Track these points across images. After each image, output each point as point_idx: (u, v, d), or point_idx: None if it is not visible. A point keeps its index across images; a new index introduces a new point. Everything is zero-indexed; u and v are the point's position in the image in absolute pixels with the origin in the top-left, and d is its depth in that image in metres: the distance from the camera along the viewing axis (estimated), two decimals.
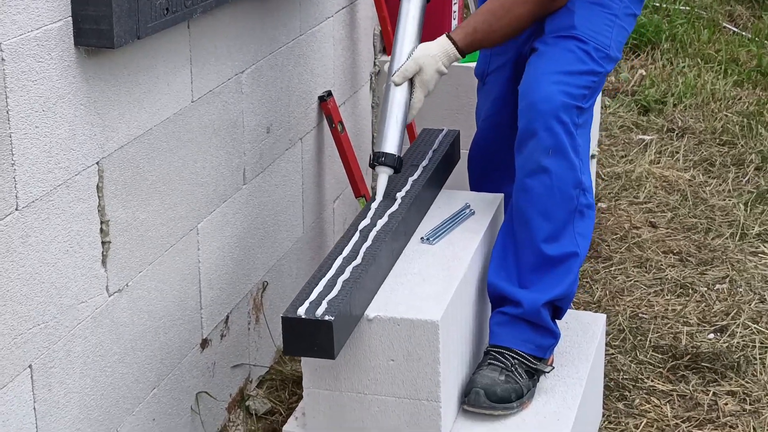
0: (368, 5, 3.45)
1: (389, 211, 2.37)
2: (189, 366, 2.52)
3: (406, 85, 2.49)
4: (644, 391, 2.85)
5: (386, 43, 3.48)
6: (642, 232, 3.69)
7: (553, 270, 2.40)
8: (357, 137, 3.43)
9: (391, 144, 2.44)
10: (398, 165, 2.44)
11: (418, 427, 2.16)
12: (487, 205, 2.58)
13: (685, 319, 3.17)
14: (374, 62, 3.61)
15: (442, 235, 2.43)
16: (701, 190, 4.02)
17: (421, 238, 2.41)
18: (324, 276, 2.11)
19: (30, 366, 1.92)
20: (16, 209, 1.84)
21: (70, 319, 2.02)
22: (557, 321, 2.44)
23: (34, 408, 1.94)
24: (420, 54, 2.48)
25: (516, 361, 2.37)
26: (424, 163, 2.62)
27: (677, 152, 4.35)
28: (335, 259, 2.17)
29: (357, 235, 2.27)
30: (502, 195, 2.65)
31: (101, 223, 2.09)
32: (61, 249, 1.97)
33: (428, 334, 2.10)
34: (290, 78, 2.93)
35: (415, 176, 2.54)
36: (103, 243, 2.10)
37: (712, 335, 3.08)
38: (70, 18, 1.92)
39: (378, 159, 2.43)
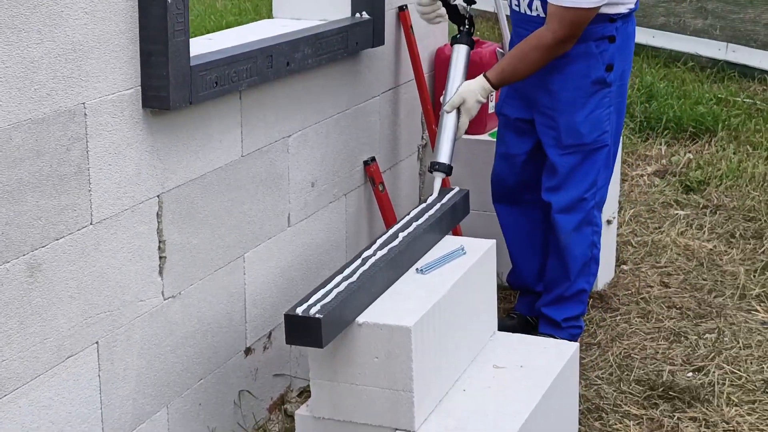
0: (414, 88, 4.09)
1: (390, 246, 2.98)
2: (233, 367, 3.15)
3: (454, 112, 3.45)
4: (620, 414, 3.36)
5: (427, 121, 4.09)
6: (653, 290, 4.19)
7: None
8: (398, 198, 4.05)
9: (444, 155, 3.42)
10: (449, 171, 3.41)
11: (397, 413, 2.74)
12: (478, 248, 3.17)
13: (671, 360, 3.66)
14: (422, 136, 4.24)
15: (434, 268, 3.03)
16: (718, 258, 4.50)
17: (416, 269, 3.01)
18: (324, 287, 2.73)
19: (97, 342, 2.58)
20: (91, 224, 2.51)
21: (131, 311, 2.68)
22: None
23: (99, 374, 2.60)
24: (464, 89, 3.46)
25: None
26: (430, 213, 3.23)
27: (705, 225, 4.84)
28: (337, 276, 2.79)
29: (359, 261, 2.89)
30: (493, 241, 3.25)
31: (159, 241, 2.76)
32: (125, 257, 2.64)
33: (403, 337, 2.69)
34: (335, 143, 3.58)
35: (420, 221, 3.16)
36: (159, 257, 2.77)
37: (690, 374, 3.57)
38: (140, 87, 2.62)
39: (434, 166, 3.41)
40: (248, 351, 3.21)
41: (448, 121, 3.44)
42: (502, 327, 3.73)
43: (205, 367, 3.01)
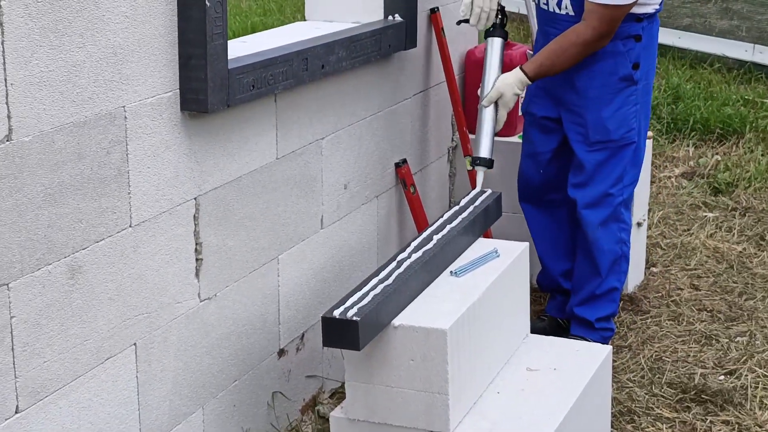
0: (446, 90, 4.10)
1: (424, 248, 2.99)
2: (267, 368, 3.16)
3: (492, 106, 3.50)
4: (652, 417, 3.36)
5: (457, 122, 4.10)
6: (683, 293, 4.19)
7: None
8: (428, 200, 4.06)
9: (484, 149, 3.48)
10: (490, 164, 3.47)
11: (432, 416, 2.75)
12: (512, 251, 3.17)
13: (702, 363, 3.66)
14: (452, 138, 4.25)
15: (468, 270, 3.03)
16: (748, 261, 4.49)
17: (451, 271, 3.02)
18: (361, 290, 2.74)
19: (135, 344, 2.59)
20: (130, 226, 2.53)
21: (168, 313, 2.70)
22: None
23: (137, 376, 2.61)
24: (501, 83, 3.50)
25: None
26: (464, 215, 3.23)
27: (734, 227, 4.83)
28: (372, 279, 2.80)
29: (394, 263, 2.90)
30: (526, 244, 3.25)
31: (196, 243, 2.77)
32: (163, 260, 2.66)
33: (439, 339, 2.69)
34: (368, 145, 3.59)
35: (454, 224, 3.16)
36: (196, 259, 2.78)
37: (722, 377, 3.56)
38: (178, 90, 2.63)
39: (476, 161, 3.48)
40: (281, 352, 3.22)
41: (487, 115, 3.50)
42: (533, 330, 3.74)
43: (240, 368, 3.03)
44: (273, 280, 3.14)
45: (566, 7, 3.50)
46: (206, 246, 2.81)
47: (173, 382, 2.75)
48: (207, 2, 2.56)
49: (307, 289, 3.32)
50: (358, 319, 2.58)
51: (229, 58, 2.78)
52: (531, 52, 4.26)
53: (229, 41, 3.25)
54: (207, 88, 2.61)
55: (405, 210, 3.86)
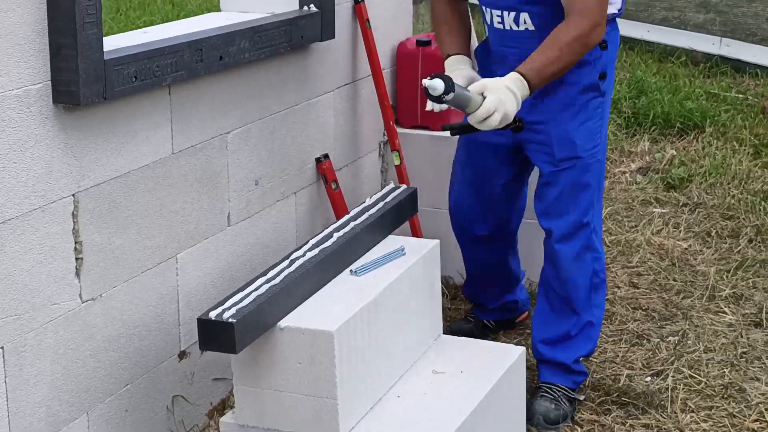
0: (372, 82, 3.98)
1: (322, 246, 2.87)
2: (166, 371, 3.04)
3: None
4: (570, 421, 3.24)
5: (384, 117, 3.97)
6: (620, 291, 4.07)
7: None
8: (360, 196, 3.93)
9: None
10: (448, 84, 2.78)
11: (321, 421, 2.63)
12: (420, 249, 3.05)
13: (630, 364, 3.54)
14: (383, 133, 4.12)
15: (369, 269, 2.91)
16: (692, 258, 4.37)
17: (350, 270, 2.90)
18: (244, 290, 2.62)
19: (2, 347, 2.48)
20: None
21: (42, 315, 2.58)
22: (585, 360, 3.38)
23: (5, 381, 2.49)
24: (501, 98, 2.89)
25: (560, 393, 3.26)
26: (371, 212, 3.11)
27: (681, 224, 4.70)
28: (258, 279, 2.68)
29: (286, 262, 2.78)
30: (437, 242, 3.12)
31: (75, 242, 2.65)
32: (35, 259, 2.54)
33: (326, 342, 2.58)
34: (283, 140, 3.47)
35: (358, 221, 3.04)
36: (76, 258, 2.66)
37: (649, 378, 3.44)
38: (50, 82, 2.51)
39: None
40: (183, 354, 3.11)
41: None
42: (459, 331, 3.63)
43: (132, 372, 2.91)
44: (171, 279, 3.02)
45: (525, 22, 3.15)
46: (88, 244, 2.69)
47: (50, 387, 2.63)
48: None
49: (212, 289, 3.20)
50: (235, 321, 2.46)
51: (112, 48, 2.67)
52: None
53: (130, 32, 3.17)
54: (79, 79, 2.50)
55: (329, 206, 3.74)
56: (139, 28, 8.89)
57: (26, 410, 2.56)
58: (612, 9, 3.17)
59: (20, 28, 2.42)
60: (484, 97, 2.89)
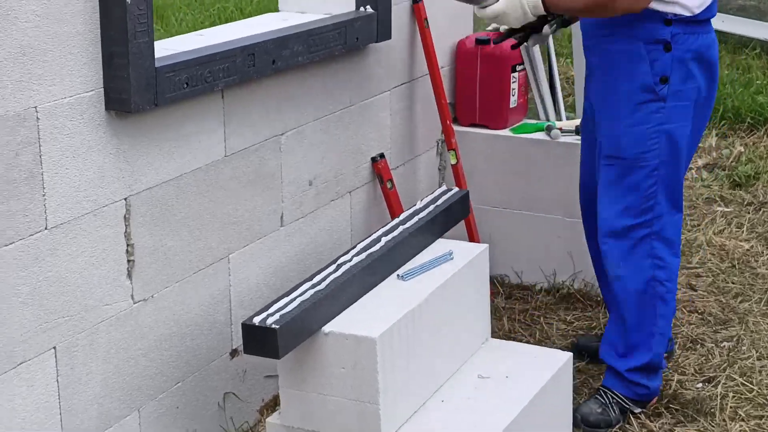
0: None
1: (369, 251, 2.90)
2: (217, 370, 3.10)
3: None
4: (618, 427, 3.24)
5: (441, 116, 3.97)
6: (677, 294, 4.03)
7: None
8: (417, 194, 3.95)
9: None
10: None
11: (364, 425, 2.67)
12: (468, 253, 3.07)
13: (682, 369, 3.52)
14: (441, 131, 4.13)
15: (416, 274, 2.94)
16: (753, 260, 4.32)
17: (397, 275, 2.93)
18: (288, 295, 2.66)
19: (54, 347, 2.55)
20: (46, 228, 2.48)
21: (94, 316, 2.65)
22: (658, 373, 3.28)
23: (57, 380, 2.57)
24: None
25: (613, 400, 3.24)
26: (421, 215, 3.14)
27: (744, 224, 4.65)
28: (304, 284, 2.72)
29: (333, 267, 2.82)
30: (486, 246, 3.14)
31: (127, 245, 2.72)
32: (87, 262, 2.61)
33: (369, 348, 2.61)
34: (338, 140, 3.50)
35: (407, 225, 3.07)
36: (128, 261, 2.73)
37: (700, 384, 3.42)
38: (102, 89, 2.57)
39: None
40: (234, 353, 3.16)
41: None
42: (586, 347, 3.61)
43: (184, 370, 2.97)
44: (223, 279, 3.08)
45: None
46: (140, 247, 2.76)
47: (102, 386, 2.70)
48: (128, 0, 2.49)
49: (266, 288, 3.25)
50: (278, 327, 2.51)
51: (164, 54, 2.73)
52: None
53: (186, 35, 3.23)
54: (130, 87, 2.55)
55: (384, 206, 3.77)
56: (212, 15, 9.05)
57: (78, 408, 2.64)
58: (678, 9, 3.03)
59: (74, 38, 2.48)
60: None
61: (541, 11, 3.04)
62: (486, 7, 3.06)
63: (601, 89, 3.21)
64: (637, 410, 3.28)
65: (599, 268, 3.46)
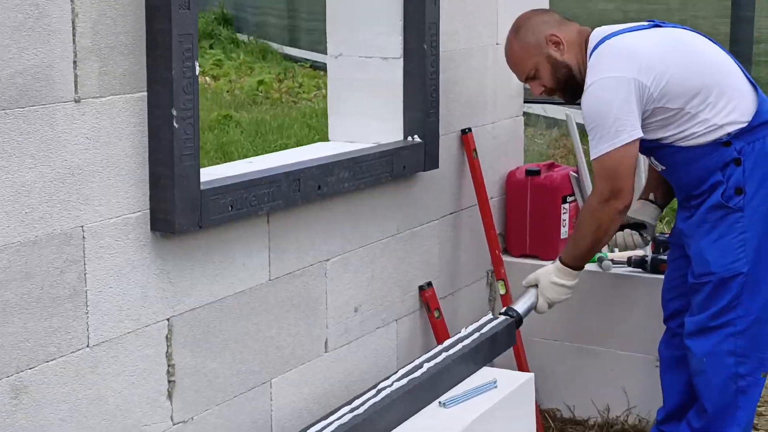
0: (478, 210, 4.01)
1: (411, 377, 2.88)
2: None
3: (535, 289, 3.42)
4: None
5: (489, 246, 3.98)
6: None
7: None
8: (460, 325, 3.92)
9: (520, 306, 3.39)
10: (517, 318, 3.35)
11: None
12: (513, 382, 3.04)
13: None
14: (490, 261, 4.13)
15: (458, 401, 2.91)
16: None
17: (439, 402, 2.90)
18: (327, 419, 2.64)
19: None
20: (87, 346, 2.51)
21: None
22: None
23: None
24: (540, 270, 3.42)
25: None
26: (465, 342, 3.12)
27: None
28: (343, 407, 2.71)
29: (373, 391, 2.80)
30: (531, 375, 3.11)
31: (168, 365, 2.73)
32: (127, 380, 2.62)
33: None
34: (384, 268, 3.52)
35: (451, 352, 3.05)
36: (168, 381, 2.74)
37: None
38: (148, 210, 2.63)
39: (507, 312, 3.38)
40: None
41: (529, 293, 3.43)
42: None
43: None
44: (265, 404, 3.07)
45: (656, 164, 3.43)
46: (181, 368, 2.77)
47: None
48: (175, 123, 2.56)
49: (307, 414, 3.23)
50: None
51: (211, 179, 2.78)
52: (575, 174, 4.16)
53: (235, 161, 3.30)
54: (175, 209, 2.60)
55: (431, 334, 3.76)
56: (275, 150, 9.23)
57: None
58: (731, 128, 3.18)
59: (123, 160, 2.54)
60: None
61: (572, 273, 3.36)
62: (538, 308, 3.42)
63: (692, 214, 3.33)
64: None
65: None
